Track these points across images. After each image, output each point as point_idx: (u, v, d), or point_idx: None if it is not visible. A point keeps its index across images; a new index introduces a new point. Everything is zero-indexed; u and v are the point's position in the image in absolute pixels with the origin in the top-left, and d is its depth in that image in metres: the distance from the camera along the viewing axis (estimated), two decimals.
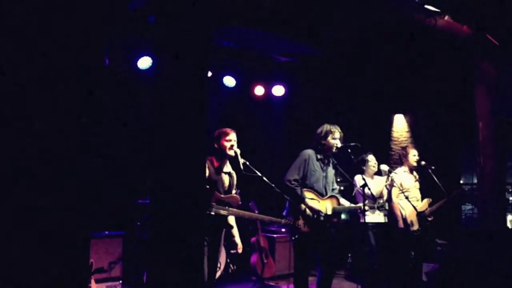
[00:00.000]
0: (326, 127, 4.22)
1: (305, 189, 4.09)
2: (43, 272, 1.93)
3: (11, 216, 1.88)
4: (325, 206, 4.11)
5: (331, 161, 4.30)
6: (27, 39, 1.95)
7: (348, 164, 4.36)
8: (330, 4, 4.83)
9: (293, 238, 4.03)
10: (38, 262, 1.92)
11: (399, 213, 5.02)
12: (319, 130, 4.25)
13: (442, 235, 5.90)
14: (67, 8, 2.06)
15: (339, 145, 4.18)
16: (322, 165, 4.20)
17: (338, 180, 6.25)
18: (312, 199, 4.07)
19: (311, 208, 4.01)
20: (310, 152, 4.20)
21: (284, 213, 4.12)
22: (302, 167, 4.11)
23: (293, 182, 4.05)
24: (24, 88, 1.94)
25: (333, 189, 4.30)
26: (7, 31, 1.91)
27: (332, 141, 4.17)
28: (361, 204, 4.24)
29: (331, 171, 4.30)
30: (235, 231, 3.90)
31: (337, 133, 4.20)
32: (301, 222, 4.01)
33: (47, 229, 1.95)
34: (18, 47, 1.93)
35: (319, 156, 4.20)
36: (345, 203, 4.28)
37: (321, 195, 4.14)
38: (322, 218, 4.03)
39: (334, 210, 4.14)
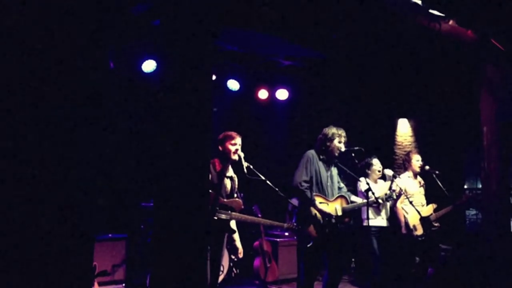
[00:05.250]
0: (333, 129, 4.18)
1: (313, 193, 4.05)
2: (47, 275, 1.93)
3: (13, 219, 1.88)
4: (335, 208, 4.07)
5: (334, 161, 4.25)
6: (30, 43, 1.96)
7: (351, 169, 4.35)
8: (333, 7, 4.84)
9: (308, 246, 3.92)
10: (41, 265, 1.93)
11: (402, 218, 5.00)
12: (325, 132, 4.20)
13: (446, 240, 5.87)
14: (69, 11, 2.07)
15: (343, 149, 4.14)
16: (325, 165, 4.16)
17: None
18: (321, 203, 4.01)
19: (321, 212, 3.96)
20: (312, 152, 4.16)
21: (293, 221, 4.02)
22: (309, 166, 4.05)
23: (303, 184, 3.98)
24: (27, 90, 1.95)
25: (340, 188, 4.25)
26: (9, 33, 1.92)
27: (337, 144, 4.13)
28: (371, 199, 4.16)
29: (335, 170, 4.25)
30: (236, 236, 3.89)
31: (342, 137, 4.16)
32: (312, 228, 3.93)
33: (50, 232, 1.95)
34: (20, 50, 1.94)
35: (321, 157, 4.16)
36: (357, 200, 4.24)
37: (328, 197, 4.10)
38: (333, 221, 3.99)
39: (344, 210, 4.10)
